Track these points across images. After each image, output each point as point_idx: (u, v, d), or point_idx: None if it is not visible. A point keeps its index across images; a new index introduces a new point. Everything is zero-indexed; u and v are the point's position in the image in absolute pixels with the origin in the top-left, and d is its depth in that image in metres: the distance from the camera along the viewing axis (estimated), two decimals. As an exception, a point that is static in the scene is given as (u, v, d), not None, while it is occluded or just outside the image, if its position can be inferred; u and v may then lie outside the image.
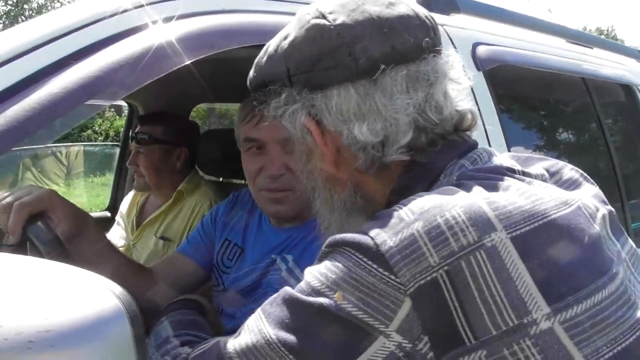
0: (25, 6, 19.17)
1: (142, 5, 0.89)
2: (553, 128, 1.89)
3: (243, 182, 2.07)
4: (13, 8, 18.96)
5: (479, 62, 1.44)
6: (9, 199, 0.99)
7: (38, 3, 19.43)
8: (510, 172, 0.67)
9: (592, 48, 2.16)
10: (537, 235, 0.57)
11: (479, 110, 1.37)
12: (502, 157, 0.72)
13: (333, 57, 0.67)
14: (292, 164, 1.15)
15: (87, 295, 0.39)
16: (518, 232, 0.57)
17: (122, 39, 0.81)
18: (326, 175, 0.75)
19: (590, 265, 0.59)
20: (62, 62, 0.74)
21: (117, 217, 2.12)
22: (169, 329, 0.84)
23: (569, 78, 1.87)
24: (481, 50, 1.47)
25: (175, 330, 0.84)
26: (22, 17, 19.09)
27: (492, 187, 0.62)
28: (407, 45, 0.68)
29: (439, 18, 1.50)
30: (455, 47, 1.42)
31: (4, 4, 18.87)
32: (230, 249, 1.34)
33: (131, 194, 2.10)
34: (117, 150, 2.61)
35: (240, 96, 1.11)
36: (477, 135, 1.31)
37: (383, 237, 0.56)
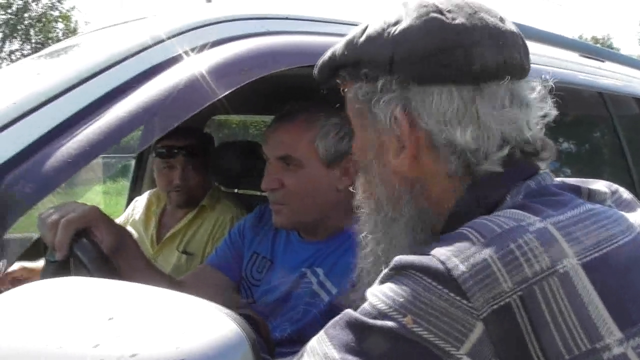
0: (25, 15, 19.19)
1: (192, 29, 0.90)
2: (570, 142, 1.91)
3: (259, 193, 2.09)
4: (13, 17, 18.98)
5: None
6: (55, 217, 1.00)
7: (37, 12, 19.47)
8: (576, 192, 0.68)
9: (604, 61, 2.19)
10: (606, 261, 0.58)
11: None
12: (562, 180, 0.74)
13: (448, 56, 0.66)
14: (289, 180, 1.21)
15: (207, 321, 0.40)
16: (588, 258, 0.57)
17: (177, 63, 0.83)
18: (395, 172, 0.73)
19: None
20: (124, 86, 0.75)
21: (128, 227, 2.11)
22: None
23: (585, 92, 1.89)
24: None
25: None
26: (22, 25, 19.11)
27: (560, 211, 0.62)
28: (514, 62, 0.68)
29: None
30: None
31: (3, 12, 18.89)
32: (259, 262, 1.36)
33: (142, 201, 2.06)
34: (133, 162, 2.62)
35: (254, 108, 1.12)
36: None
37: (454, 261, 0.56)
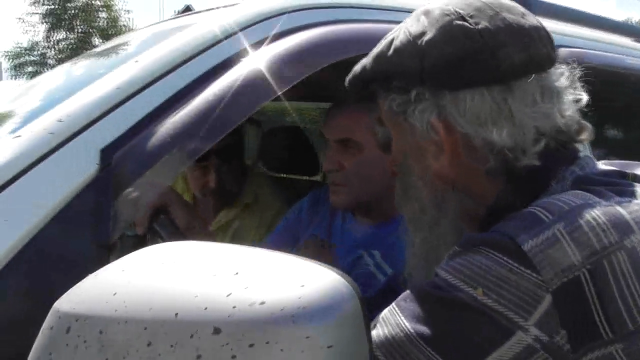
0: (69, 4, 19.67)
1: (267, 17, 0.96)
2: (629, 129, 1.90)
3: (305, 178, 2.14)
4: (58, 7, 19.48)
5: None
6: (135, 194, 1.08)
7: (81, 2, 19.91)
8: (622, 176, 0.71)
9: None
10: None
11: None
12: (605, 164, 0.76)
13: (475, 60, 0.69)
14: (348, 162, 1.25)
15: (321, 277, 0.46)
16: None
17: (249, 54, 0.88)
18: (436, 174, 0.76)
19: None
20: (202, 78, 0.81)
21: None
22: None
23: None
24: (561, 52, 1.50)
25: None
26: (66, 15, 19.61)
27: (619, 192, 0.65)
28: (541, 56, 0.71)
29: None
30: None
31: (49, 2, 19.40)
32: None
33: None
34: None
35: (305, 95, 1.15)
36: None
37: (524, 237, 0.59)
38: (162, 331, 0.44)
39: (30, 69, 20.14)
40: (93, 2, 20.13)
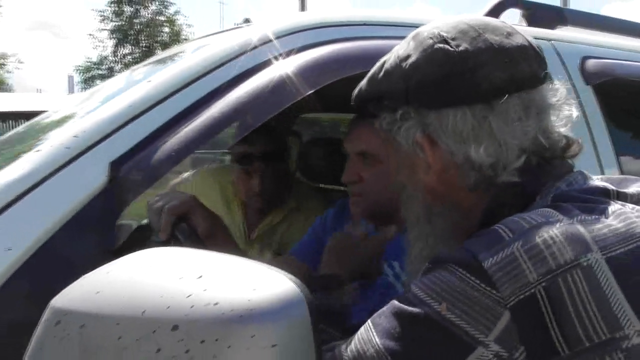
0: (135, 21, 20.65)
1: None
2: None
3: (342, 188, 2.18)
4: (125, 23, 20.49)
5: (587, 76, 1.44)
6: (160, 203, 1.16)
7: (146, 18, 20.85)
8: (605, 194, 0.70)
9: None
10: (631, 257, 0.61)
11: (587, 124, 1.37)
12: (597, 180, 0.75)
13: (455, 81, 0.71)
14: (366, 174, 1.28)
15: (273, 281, 0.50)
16: (613, 253, 0.60)
17: (267, 67, 0.94)
18: (426, 188, 0.79)
19: None
20: (219, 89, 0.88)
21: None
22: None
23: None
24: (590, 64, 1.47)
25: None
26: (132, 30, 20.59)
27: (588, 210, 0.65)
28: (524, 75, 0.72)
29: (545, 33, 1.53)
30: (563, 62, 1.45)
31: (117, 19, 20.43)
32: (341, 250, 1.45)
33: (208, 178, 2.02)
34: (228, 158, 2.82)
35: (342, 106, 1.20)
36: (585, 150, 1.32)
37: (485, 255, 0.61)
38: (130, 327, 0.50)
39: (98, 82, 21.29)
40: (157, 17, 21.05)
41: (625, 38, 1.82)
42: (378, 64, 0.81)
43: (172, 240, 1.16)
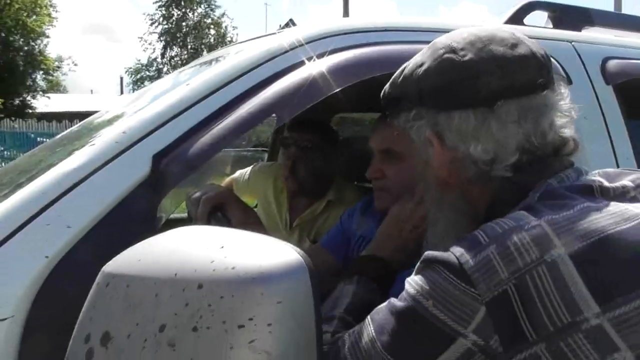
0: (183, 23, 21.20)
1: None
2: None
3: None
4: (173, 26, 21.07)
5: (608, 76, 1.48)
6: (197, 194, 1.28)
7: (193, 20, 21.38)
8: (588, 190, 0.78)
9: None
10: (592, 250, 0.68)
11: (605, 124, 1.42)
12: (590, 175, 0.82)
13: (460, 87, 0.81)
14: (389, 171, 1.36)
15: (281, 252, 0.60)
16: (575, 247, 0.68)
17: (293, 70, 1.04)
18: (439, 180, 0.89)
19: None
20: (247, 92, 0.99)
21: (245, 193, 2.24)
22: (341, 305, 1.00)
23: None
24: (611, 64, 1.51)
25: (344, 311, 0.99)
26: (180, 33, 21.16)
27: (559, 208, 0.73)
28: (522, 83, 0.81)
29: (566, 34, 1.58)
30: (583, 63, 1.49)
31: (166, 23, 21.02)
32: (364, 244, 1.54)
33: (266, 172, 2.22)
34: (265, 155, 2.95)
35: (373, 106, 1.28)
36: (604, 149, 1.36)
37: (466, 257, 0.70)
38: (165, 286, 0.61)
39: (147, 83, 21.98)
40: (204, 20, 21.55)
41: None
42: (400, 69, 0.91)
43: (208, 228, 1.28)
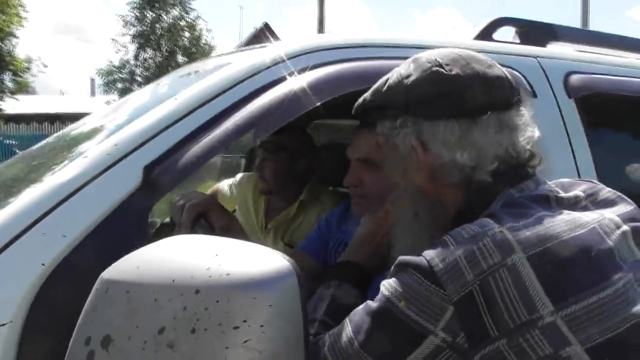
0: (157, 25, 21.00)
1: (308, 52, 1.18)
2: None
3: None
4: (146, 28, 20.85)
5: (570, 90, 1.58)
6: (181, 202, 1.33)
7: (167, 23, 21.19)
8: (545, 200, 0.85)
9: None
10: (548, 253, 0.75)
11: (568, 135, 1.51)
12: (547, 186, 0.90)
13: (447, 98, 0.88)
14: (367, 179, 1.43)
15: (270, 259, 0.66)
16: (533, 252, 0.75)
17: (276, 85, 1.10)
18: (416, 187, 0.94)
19: (593, 273, 0.76)
20: (233, 106, 1.04)
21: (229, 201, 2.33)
22: (321, 309, 1.05)
23: None
24: (574, 78, 1.61)
25: (324, 314, 1.04)
26: (154, 35, 20.96)
27: (519, 216, 0.80)
28: (501, 99, 0.89)
29: (533, 50, 1.67)
30: (547, 77, 1.58)
31: (139, 25, 20.78)
32: (342, 249, 1.60)
33: (248, 182, 2.31)
34: (243, 161, 3.00)
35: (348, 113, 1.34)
36: (565, 162, 1.45)
37: (435, 261, 0.76)
38: (163, 291, 0.66)
39: (120, 85, 21.69)
40: (178, 22, 21.37)
41: (612, 52, 1.95)
42: (382, 80, 0.97)
43: (191, 234, 1.33)
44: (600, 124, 1.64)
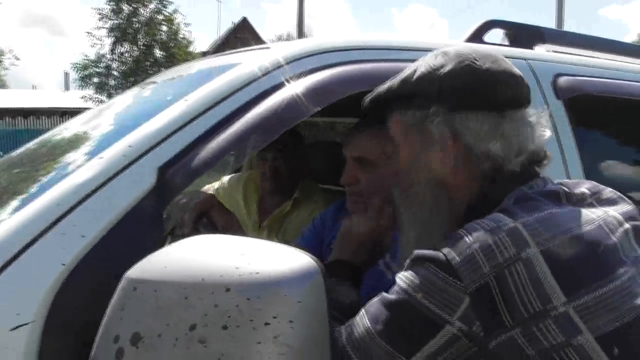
0: (134, 19, 20.67)
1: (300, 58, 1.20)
2: (638, 158, 1.98)
3: (340, 188, 2.37)
4: (122, 22, 20.51)
5: (558, 92, 1.63)
6: (183, 201, 1.35)
7: (145, 16, 20.88)
8: (556, 195, 0.90)
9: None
10: (560, 248, 0.80)
11: (557, 135, 1.56)
12: (554, 184, 0.95)
13: (480, 91, 0.92)
14: (363, 177, 1.47)
15: (296, 257, 0.69)
16: (546, 246, 0.80)
17: (270, 95, 1.12)
18: (437, 177, 0.96)
19: (601, 266, 0.81)
20: (235, 112, 1.07)
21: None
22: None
23: None
24: (562, 80, 1.67)
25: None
26: (131, 29, 20.64)
27: (532, 210, 0.84)
28: (523, 95, 0.95)
29: (523, 52, 1.72)
30: (537, 79, 1.64)
31: (115, 18, 20.43)
32: (336, 245, 1.64)
33: (237, 181, 2.33)
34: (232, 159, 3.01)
35: (339, 111, 1.36)
36: (554, 162, 1.50)
37: (452, 254, 0.80)
38: (194, 289, 0.69)
39: (95, 79, 21.29)
40: (156, 16, 21.06)
41: (598, 55, 2.02)
42: (409, 70, 0.99)
43: (194, 232, 1.36)
44: (588, 125, 1.71)
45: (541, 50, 1.88)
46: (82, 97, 21.00)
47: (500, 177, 0.92)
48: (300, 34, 17.06)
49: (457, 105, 0.93)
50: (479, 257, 0.79)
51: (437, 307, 0.79)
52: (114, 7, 20.36)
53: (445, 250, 0.81)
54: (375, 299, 0.88)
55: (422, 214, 0.99)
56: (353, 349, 0.84)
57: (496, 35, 1.92)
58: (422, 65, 0.98)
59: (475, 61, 0.93)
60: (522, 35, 1.87)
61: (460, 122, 0.93)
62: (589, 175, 1.56)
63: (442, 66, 0.95)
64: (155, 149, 0.98)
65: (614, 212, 0.90)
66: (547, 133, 0.98)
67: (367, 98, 1.05)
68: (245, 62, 1.20)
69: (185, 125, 1.02)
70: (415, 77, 0.96)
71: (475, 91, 0.92)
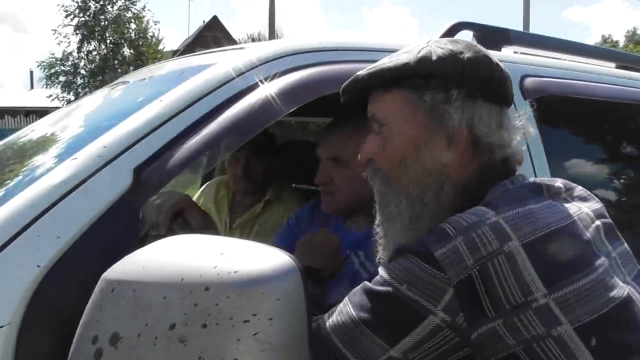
0: (101, 17, 20.31)
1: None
2: (602, 157, 2.04)
3: (313, 187, 2.39)
4: (90, 19, 20.13)
5: (525, 92, 1.68)
6: (158, 201, 1.34)
7: (112, 14, 20.54)
8: (538, 188, 0.94)
9: (643, 71, 2.31)
10: (541, 241, 0.83)
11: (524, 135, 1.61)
12: (532, 180, 0.99)
13: (494, 83, 0.96)
14: (337, 177, 1.50)
15: (274, 256, 0.71)
16: (527, 240, 0.82)
17: (245, 96, 1.13)
18: (440, 163, 0.95)
19: (579, 260, 0.84)
20: (212, 112, 1.08)
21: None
22: None
23: (620, 105, 2.01)
24: (528, 81, 1.72)
25: None
26: (98, 27, 20.26)
27: (513, 206, 0.87)
28: (512, 94, 1.01)
29: (491, 54, 1.76)
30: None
31: (82, 15, 20.04)
32: (311, 245, 1.66)
33: (211, 187, 2.33)
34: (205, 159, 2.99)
35: (311, 111, 1.38)
36: (524, 163, 1.54)
37: (436, 247, 0.82)
38: (173, 289, 0.69)
39: (62, 78, 20.86)
40: (124, 13, 20.73)
41: (563, 56, 2.09)
42: (421, 52, 0.96)
43: (169, 233, 1.34)
44: (553, 125, 1.76)
45: (508, 52, 1.93)
46: (48, 96, 20.54)
47: (492, 170, 0.96)
48: (272, 32, 17.04)
49: (474, 92, 0.94)
50: (462, 251, 0.81)
51: (421, 298, 0.81)
52: (81, 3, 19.95)
53: (428, 242, 0.83)
54: (358, 288, 0.89)
55: (412, 203, 0.97)
56: (337, 336, 0.85)
57: (465, 36, 1.97)
58: (433, 49, 0.96)
59: (488, 55, 0.97)
60: (489, 36, 1.92)
61: (474, 109, 0.94)
62: (555, 174, 1.61)
63: (461, 52, 0.94)
64: (131, 150, 0.98)
65: (586, 208, 0.94)
66: (531, 131, 1.04)
67: (371, 72, 1.00)
68: (220, 63, 1.21)
69: (160, 125, 1.02)
70: (434, 58, 0.94)
71: (491, 81, 0.95)
